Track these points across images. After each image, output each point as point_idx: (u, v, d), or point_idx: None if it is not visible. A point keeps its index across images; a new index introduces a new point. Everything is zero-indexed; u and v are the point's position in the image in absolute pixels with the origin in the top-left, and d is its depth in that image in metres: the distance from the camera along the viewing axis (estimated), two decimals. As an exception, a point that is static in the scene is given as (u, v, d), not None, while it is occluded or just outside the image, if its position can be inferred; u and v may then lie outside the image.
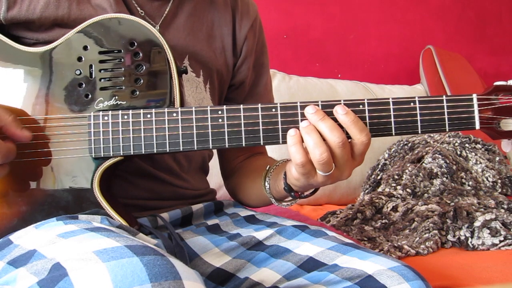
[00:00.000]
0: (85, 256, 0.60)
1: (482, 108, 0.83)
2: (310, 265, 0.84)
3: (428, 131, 0.84)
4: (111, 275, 0.56)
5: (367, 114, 0.82)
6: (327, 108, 0.81)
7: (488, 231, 1.41)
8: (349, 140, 0.81)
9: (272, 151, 1.21)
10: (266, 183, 0.94)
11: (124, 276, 0.56)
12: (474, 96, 0.83)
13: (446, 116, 0.83)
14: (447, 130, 0.83)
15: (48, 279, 0.59)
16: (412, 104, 0.82)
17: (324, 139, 0.79)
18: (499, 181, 1.95)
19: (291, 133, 0.80)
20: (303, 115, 0.81)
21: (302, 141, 0.79)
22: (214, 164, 1.17)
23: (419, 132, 0.83)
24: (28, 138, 0.79)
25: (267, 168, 0.95)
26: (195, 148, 0.82)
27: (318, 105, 0.81)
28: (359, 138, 0.80)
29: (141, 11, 0.96)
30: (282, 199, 0.95)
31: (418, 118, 0.82)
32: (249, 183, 1.06)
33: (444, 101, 0.83)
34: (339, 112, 0.80)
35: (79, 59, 0.84)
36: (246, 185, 1.08)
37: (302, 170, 0.80)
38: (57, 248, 0.65)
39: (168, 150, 0.82)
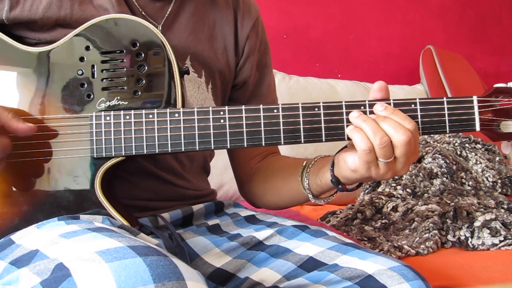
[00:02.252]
0: (88, 256, 0.60)
1: (482, 110, 0.83)
2: (310, 265, 0.84)
3: (429, 133, 0.84)
4: (115, 276, 0.56)
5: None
6: (330, 109, 0.82)
7: (488, 231, 1.42)
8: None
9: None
10: (305, 179, 0.93)
11: (128, 277, 0.56)
12: (475, 98, 0.84)
13: (446, 118, 0.83)
14: (447, 131, 0.83)
15: (51, 279, 0.59)
16: (413, 106, 0.83)
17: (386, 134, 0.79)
18: (499, 181, 1.95)
19: (351, 126, 0.81)
20: (304, 115, 0.82)
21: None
22: (214, 165, 1.17)
23: (420, 133, 0.83)
24: (32, 130, 0.79)
25: (304, 164, 0.95)
26: (197, 149, 0.82)
27: (319, 105, 0.82)
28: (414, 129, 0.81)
29: (143, 12, 0.96)
30: (320, 195, 0.95)
31: (419, 119, 0.83)
32: (279, 182, 1.04)
33: (445, 103, 0.83)
34: (378, 109, 0.82)
35: (81, 59, 0.84)
36: (275, 185, 1.06)
37: (368, 157, 0.79)
38: (60, 248, 0.65)
39: (170, 151, 0.82)
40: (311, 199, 0.94)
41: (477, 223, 1.45)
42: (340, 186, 0.88)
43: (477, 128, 0.84)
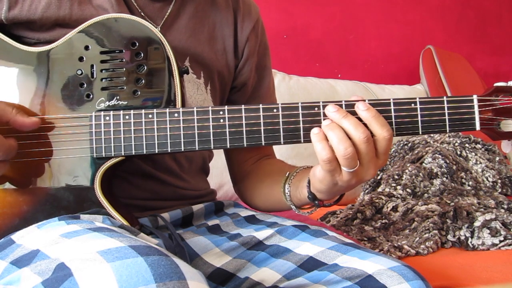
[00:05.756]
0: (89, 256, 0.60)
1: (483, 109, 0.83)
2: (310, 264, 0.84)
3: (429, 132, 0.84)
4: (116, 276, 0.56)
5: (368, 115, 0.82)
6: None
7: (488, 231, 1.42)
8: (372, 137, 0.81)
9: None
10: (287, 190, 0.93)
11: (129, 276, 0.56)
12: (475, 97, 0.84)
13: (446, 117, 0.83)
14: (447, 131, 0.83)
15: (53, 279, 0.59)
16: (413, 105, 0.83)
17: (348, 136, 0.79)
18: (499, 181, 1.95)
19: (315, 131, 0.80)
20: (304, 115, 0.81)
21: (326, 138, 0.80)
22: (214, 165, 1.17)
23: (420, 133, 0.83)
24: (36, 124, 0.80)
25: (286, 175, 0.95)
26: (197, 149, 0.82)
27: (319, 105, 0.82)
28: (380, 133, 0.80)
29: (142, 12, 0.96)
30: (303, 206, 0.94)
31: (419, 119, 0.83)
32: (265, 188, 1.05)
33: (445, 102, 0.83)
34: (361, 108, 0.81)
35: (81, 59, 0.84)
36: (262, 191, 1.07)
37: (328, 167, 0.79)
38: (61, 248, 0.65)
39: (169, 150, 0.82)
40: (294, 210, 0.95)
41: (477, 223, 1.44)
42: (316, 202, 0.89)
43: (477, 127, 0.84)
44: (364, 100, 0.82)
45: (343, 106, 0.82)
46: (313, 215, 1.81)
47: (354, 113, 0.81)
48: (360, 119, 0.80)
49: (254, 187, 1.10)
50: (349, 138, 0.79)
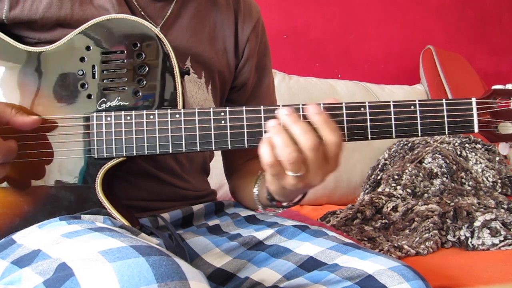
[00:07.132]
0: (91, 256, 0.60)
1: (481, 111, 0.84)
2: (310, 264, 0.84)
3: (428, 134, 0.84)
4: (118, 276, 0.56)
5: (368, 117, 0.82)
6: (330, 111, 0.82)
7: (488, 231, 1.42)
8: (322, 141, 0.79)
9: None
10: (255, 190, 0.94)
11: (131, 276, 0.56)
12: (473, 100, 0.84)
13: (445, 120, 0.83)
14: (446, 133, 0.83)
15: (54, 279, 0.60)
16: (412, 107, 0.83)
17: (295, 142, 0.77)
18: (499, 181, 1.95)
19: (266, 134, 0.79)
20: (305, 116, 0.81)
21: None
22: (214, 165, 1.17)
23: (419, 135, 0.83)
24: (37, 122, 0.79)
25: (258, 174, 0.95)
26: (198, 149, 0.82)
27: (320, 107, 0.82)
28: (330, 138, 0.78)
29: (143, 12, 0.96)
30: (269, 206, 0.94)
31: (418, 121, 0.83)
32: (243, 186, 1.06)
33: (444, 104, 0.83)
34: (311, 111, 0.79)
35: (82, 59, 0.84)
36: (241, 188, 1.08)
37: (272, 171, 0.78)
38: (62, 248, 0.65)
39: (170, 151, 0.82)
40: (260, 209, 0.95)
41: (477, 223, 1.45)
42: (274, 203, 0.89)
43: (476, 129, 0.84)
44: (341, 104, 0.81)
45: (321, 108, 0.80)
46: (313, 215, 1.81)
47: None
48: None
49: (237, 184, 1.12)
50: (297, 143, 0.77)
